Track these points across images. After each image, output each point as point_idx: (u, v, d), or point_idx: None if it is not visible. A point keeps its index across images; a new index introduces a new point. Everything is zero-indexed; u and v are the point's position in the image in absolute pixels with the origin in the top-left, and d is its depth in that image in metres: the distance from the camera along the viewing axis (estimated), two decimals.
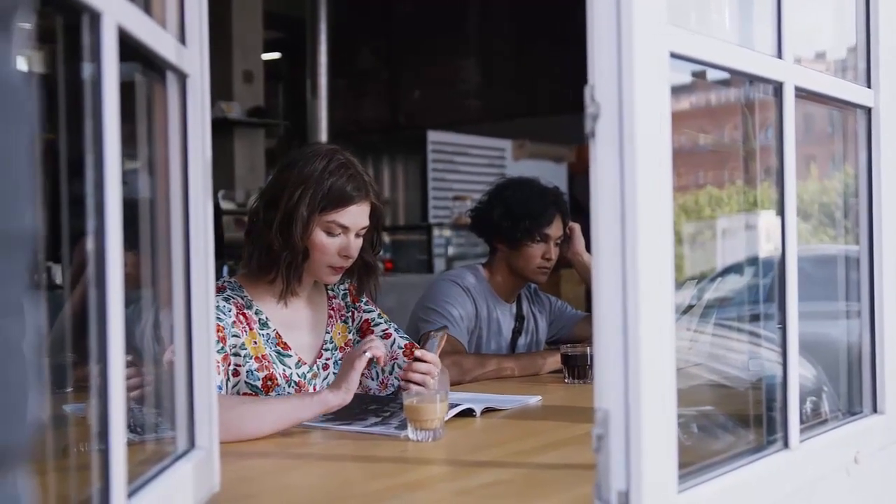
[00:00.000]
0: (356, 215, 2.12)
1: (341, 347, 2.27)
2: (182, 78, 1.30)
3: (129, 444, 1.02)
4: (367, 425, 1.91)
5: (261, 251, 2.13)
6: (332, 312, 2.29)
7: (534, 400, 2.28)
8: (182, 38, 1.30)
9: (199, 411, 1.34)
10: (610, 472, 1.13)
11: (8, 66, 0.56)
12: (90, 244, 0.95)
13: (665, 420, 1.17)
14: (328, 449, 1.77)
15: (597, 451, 1.14)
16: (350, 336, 2.30)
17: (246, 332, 2.10)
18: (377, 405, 2.09)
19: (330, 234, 2.11)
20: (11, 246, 0.53)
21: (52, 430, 1.14)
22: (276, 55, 10.34)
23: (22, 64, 0.58)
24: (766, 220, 1.77)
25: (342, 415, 1.96)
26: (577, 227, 3.00)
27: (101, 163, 0.96)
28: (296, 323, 2.21)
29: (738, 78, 1.54)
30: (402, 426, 1.85)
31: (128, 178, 1.07)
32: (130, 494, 1.03)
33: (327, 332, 2.26)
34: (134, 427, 1.25)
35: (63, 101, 1.05)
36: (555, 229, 2.90)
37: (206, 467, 1.34)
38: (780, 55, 1.46)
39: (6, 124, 0.54)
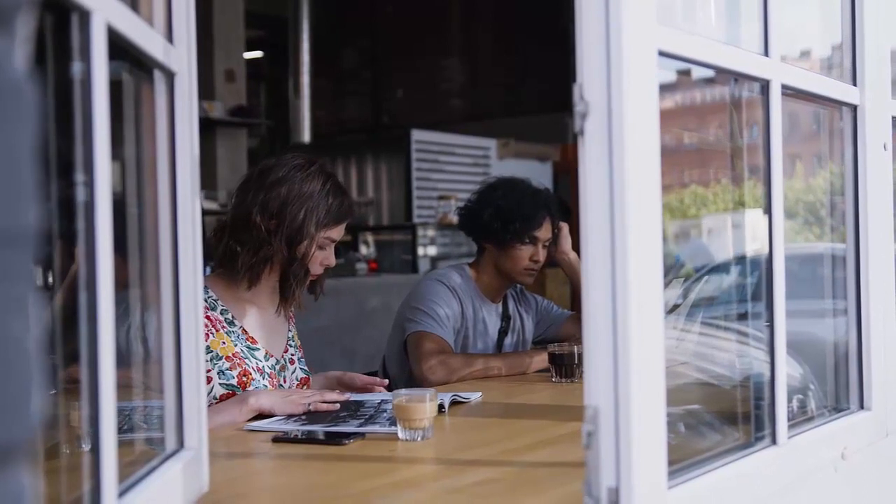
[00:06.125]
0: (343, 230, 2.27)
1: (300, 346, 2.38)
2: (170, 76, 1.30)
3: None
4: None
5: (259, 260, 2.17)
6: (291, 314, 2.38)
7: (474, 396, 2.27)
8: (169, 37, 1.30)
9: (187, 412, 1.33)
10: (600, 468, 1.13)
11: (11, 67, 0.56)
12: (80, 245, 0.95)
13: (655, 416, 1.17)
14: (317, 449, 1.76)
15: (587, 448, 1.14)
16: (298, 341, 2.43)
17: (213, 333, 2.12)
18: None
19: (321, 248, 2.21)
20: (16, 243, 0.54)
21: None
22: (258, 54, 10.30)
23: (24, 64, 0.58)
24: (752, 218, 1.78)
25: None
26: (564, 226, 3.00)
27: (91, 163, 0.95)
28: (262, 321, 2.28)
29: (722, 76, 1.55)
30: (394, 422, 1.85)
31: (114, 178, 1.06)
32: (121, 494, 1.03)
33: (290, 331, 2.36)
34: (120, 427, 1.25)
35: (51, 99, 1.04)
36: (544, 232, 2.89)
37: (196, 467, 1.34)
38: (766, 53, 1.47)
39: (11, 124, 0.55)
